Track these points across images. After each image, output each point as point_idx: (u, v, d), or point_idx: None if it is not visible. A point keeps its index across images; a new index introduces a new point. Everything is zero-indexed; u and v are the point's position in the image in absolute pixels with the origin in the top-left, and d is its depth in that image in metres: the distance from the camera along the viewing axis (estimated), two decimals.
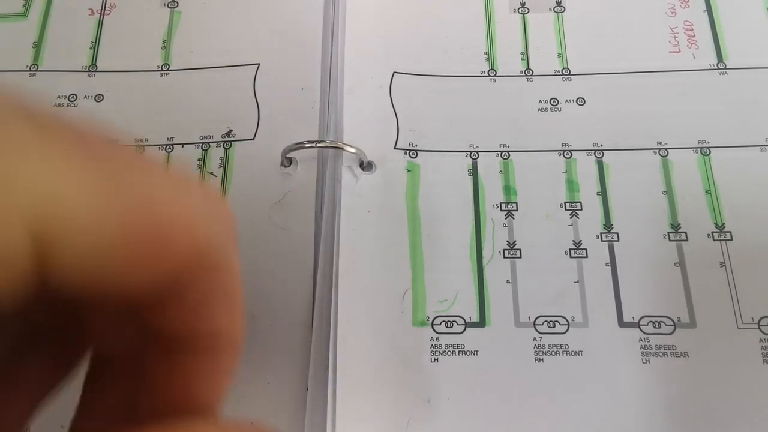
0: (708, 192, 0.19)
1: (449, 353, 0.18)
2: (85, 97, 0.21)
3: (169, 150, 0.20)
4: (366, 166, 0.19)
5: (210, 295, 0.08)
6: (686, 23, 0.22)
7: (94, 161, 0.07)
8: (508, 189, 0.20)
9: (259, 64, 0.21)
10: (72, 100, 0.21)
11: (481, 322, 0.18)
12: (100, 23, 0.23)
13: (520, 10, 0.22)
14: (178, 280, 0.08)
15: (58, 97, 0.21)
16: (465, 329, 0.18)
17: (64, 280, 0.07)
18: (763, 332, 0.18)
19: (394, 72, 0.21)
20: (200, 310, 0.08)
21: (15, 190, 0.06)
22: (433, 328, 0.18)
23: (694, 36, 0.22)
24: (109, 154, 0.07)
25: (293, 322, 0.18)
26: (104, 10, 0.23)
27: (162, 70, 0.22)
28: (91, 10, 0.23)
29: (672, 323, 0.18)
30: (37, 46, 0.22)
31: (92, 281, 0.07)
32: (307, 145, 0.18)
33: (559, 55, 0.22)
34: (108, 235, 0.07)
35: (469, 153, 0.20)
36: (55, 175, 0.06)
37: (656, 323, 0.18)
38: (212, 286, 0.08)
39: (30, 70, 0.22)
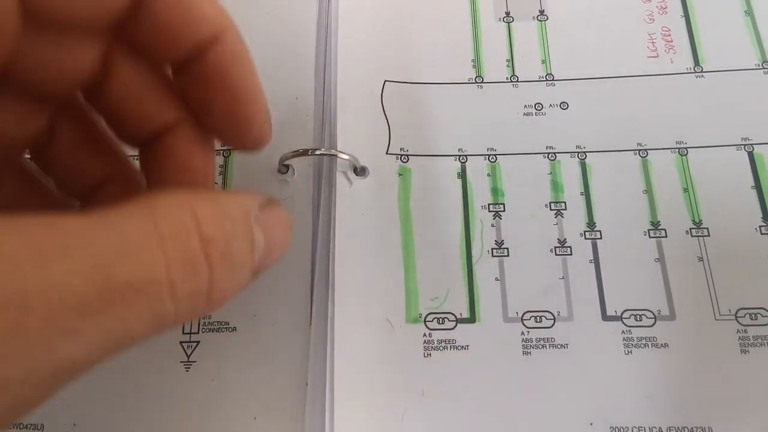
0: (686, 190, 0.20)
1: (441, 348, 0.18)
2: None
3: None
4: (359, 171, 0.20)
5: (234, 55, 0.11)
6: (664, 29, 0.22)
7: None
8: (495, 191, 0.20)
9: None
10: None
11: (472, 318, 0.19)
12: None
13: (504, 19, 0.23)
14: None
15: None
16: (456, 325, 0.19)
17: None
18: (740, 323, 0.18)
19: (385, 80, 0.22)
20: (230, 66, 0.11)
21: None
22: (425, 324, 0.19)
23: (672, 41, 0.22)
24: None
25: (293, 321, 0.18)
26: None
27: None
28: None
29: (653, 316, 0.18)
30: None
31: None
32: (303, 153, 0.19)
33: (543, 62, 0.22)
34: None
35: (457, 157, 0.21)
36: None
37: (638, 316, 0.18)
38: (233, 49, 0.11)
39: None
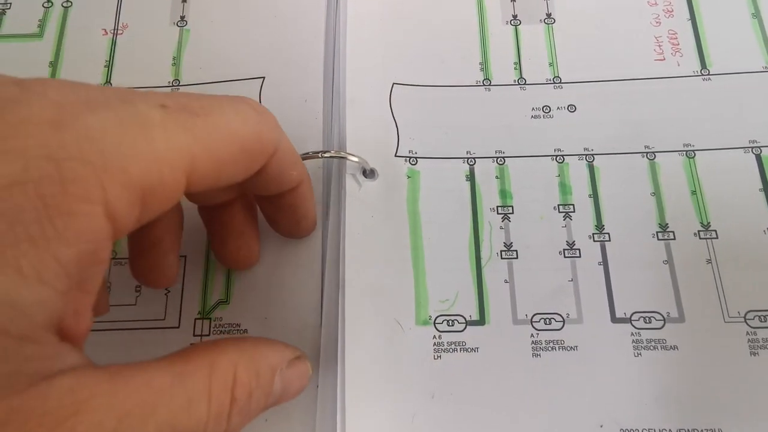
0: (693, 193, 0.20)
1: (451, 350, 0.18)
2: None
3: None
4: (368, 173, 0.20)
5: (285, 160, 0.15)
6: (670, 32, 0.22)
7: (202, 118, 0.12)
8: (504, 193, 0.20)
9: (264, 77, 0.22)
10: None
11: (481, 321, 0.19)
12: (114, 42, 0.23)
13: (512, 22, 0.23)
14: (269, 161, 0.14)
15: None
16: (465, 327, 0.19)
17: (206, 181, 0.13)
18: (749, 325, 0.18)
19: (393, 83, 0.22)
20: (285, 169, 0.15)
21: (173, 156, 0.11)
22: (435, 326, 0.19)
23: (678, 44, 0.22)
24: (208, 113, 0.12)
25: (303, 324, 0.18)
26: (117, 30, 0.23)
27: (173, 85, 0.22)
28: (105, 30, 0.23)
29: (662, 318, 0.18)
30: (54, 65, 0.23)
31: (228, 176, 0.13)
32: (312, 155, 0.19)
33: (550, 65, 0.22)
34: (229, 156, 0.13)
35: (466, 159, 0.21)
36: (182, 140, 0.12)
37: (647, 318, 0.18)
38: (283, 156, 0.15)
39: None
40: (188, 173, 0.12)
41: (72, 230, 0.10)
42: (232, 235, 0.17)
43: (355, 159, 0.19)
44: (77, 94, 0.11)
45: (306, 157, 0.18)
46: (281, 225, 0.18)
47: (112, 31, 0.23)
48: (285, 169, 0.15)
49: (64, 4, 0.24)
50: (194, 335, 0.18)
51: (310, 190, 0.17)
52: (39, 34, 0.23)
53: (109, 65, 0.23)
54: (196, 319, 0.18)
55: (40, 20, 0.24)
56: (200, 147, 0.12)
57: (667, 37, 0.22)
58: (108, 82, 0.23)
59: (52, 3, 0.24)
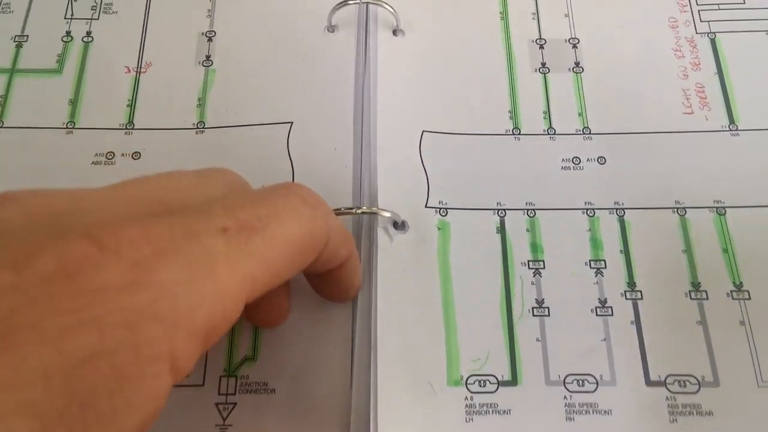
0: (725, 251, 0.20)
1: (483, 413, 0.18)
2: (123, 154, 0.21)
3: None
4: (399, 225, 0.20)
5: (335, 244, 0.15)
6: (698, 85, 0.23)
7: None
8: (535, 246, 0.20)
9: (292, 122, 0.22)
10: (110, 158, 0.21)
11: (513, 381, 0.18)
12: (137, 81, 0.23)
13: (540, 70, 0.23)
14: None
15: (96, 154, 0.21)
16: (498, 388, 0.18)
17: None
18: None
19: (423, 130, 0.22)
20: (334, 252, 0.15)
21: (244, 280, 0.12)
22: (467, 387, 0.18)
23: (706, 98, 0.22)
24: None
25: (333, 384, 0.18)
26: (140, 68, 0.23)
27: (197, 128, 0.22)
28: (128, 68, 0.23)
29: (697, 382, 0.18)
30: (74, 103, 0.22)
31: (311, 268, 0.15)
32: (345, 212, 0.18)
33: (580, 114, 0.22)
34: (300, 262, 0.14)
35: (496, 211, 0.21)
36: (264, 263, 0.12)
37: (682, 382, 0.18)
38: (334, 241, 0.15)
39: (67, 128, 0.22)
40: (248, 294, 0.12)
41: (140, 397, 0.10)
42: (265, 295, 0.17)
43: (388, 214, 0.19)
44: (150, 244, 0.10)
45: (338, 213, 0.18)
46: (326, 293, 0.18)
47: (135, 69, 0.23)
48: (334, 251, 0.15)
49: (85, 39, 0.24)
50: (219, 394, 0.18)
51: (357, 262, 0.17)
52: (58, 70, 0.23)
53: (132, 105, 0.22)
54: (221, 376, 0.18)
55: (59, 55, 0.23)
56: (261, 267, 0.12)
57: (695, 90, 0.22)
58: (131, 122, 0.22)
59: (72, 37, 0.24)
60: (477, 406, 0.18)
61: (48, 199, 0.11)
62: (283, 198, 0.13)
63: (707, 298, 0.19)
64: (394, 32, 0.23)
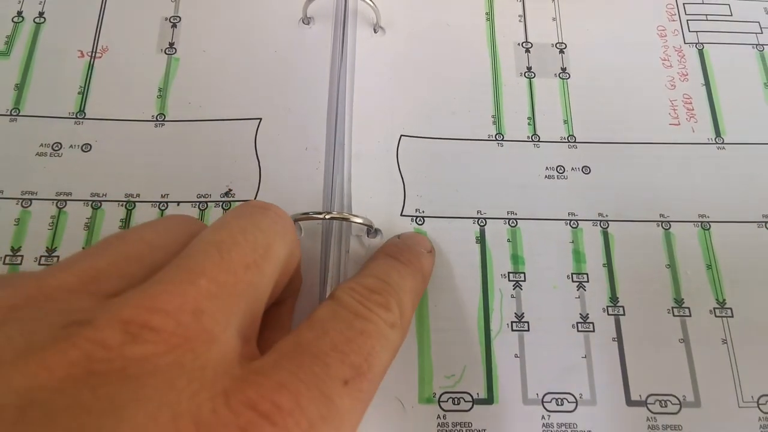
0: (709, 267, 0.20)
1: None
2: (71, 146, 0.20)
3: (163, 208, 0.20)
4: (372, 233, 0.19)
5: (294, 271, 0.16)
6: (685, 96, 0.23)
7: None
8: (516, 258, 0.20)
9: (260, 118, 0.21)
10: (56, 149, 0.20)
11: (489, 399, 0.18)
12: (91, 66, 0.22)
13: (526, 74, 0.23)
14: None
15: (41, 145, 0.20)
16: (472, 406, 0.18)
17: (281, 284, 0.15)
18: (762, 411, 0.18)
19: (401, 134, 0.21)
20: (292, 279, 0.16)
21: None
22: (440, 405, 0.18)
23: (693, 109, 0.23)
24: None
25: None
26: (95, 52, 0.22)
27: (157, 120, 0.21)
28: (81, 51, 0.22)
29: (678, 402, 0.18)
30: (20, 88, 0.21)
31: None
32: (313, 216, 0.18)
33: (565, 122, 0.22)
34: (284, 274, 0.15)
35: (476, 220, 0.20)
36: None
37: (663, 402, 0.18)
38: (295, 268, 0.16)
39: (11, 114, 0.21)
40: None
41: None
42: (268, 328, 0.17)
43: (360, 221, 0.18)
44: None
45: (306, 218, 0.18)
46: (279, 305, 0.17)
47: (90, 54, 0.22)
48: (292, 278, 0.16)
49: (37, 20, 0.23)
50: None
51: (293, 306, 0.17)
52: (5, 52, 0.22)
53: (84, 92, 0.21)
54: None
55: (8, 36, 0.22)
56: (260, 304, 0.13)
57: (682, 101, 0.23)
58: (81, 111, 0.21)
59: (23, 18, 0.23)
60: (450, 425, 0.18)
61: None
62: (271, 221, 0.13)
63: (690, 315, 0.19)
64: (374, 29, 0.23)
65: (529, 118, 0.22)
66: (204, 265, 0.11)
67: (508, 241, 0.20)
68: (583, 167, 0.22)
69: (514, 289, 0.20)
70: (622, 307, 0.19)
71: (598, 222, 0.21)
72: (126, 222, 0.19)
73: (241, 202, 0.20)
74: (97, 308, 0.10)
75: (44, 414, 0.09)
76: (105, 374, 0.10)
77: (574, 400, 0.18)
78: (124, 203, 0.20)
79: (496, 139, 0.22)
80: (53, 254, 0.19)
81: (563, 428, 0.18)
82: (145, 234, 0.13)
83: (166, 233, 0.13)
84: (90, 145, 0.21)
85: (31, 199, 0.20)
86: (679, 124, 0.22)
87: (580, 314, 0.19)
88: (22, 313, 0.10)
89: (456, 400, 0.18)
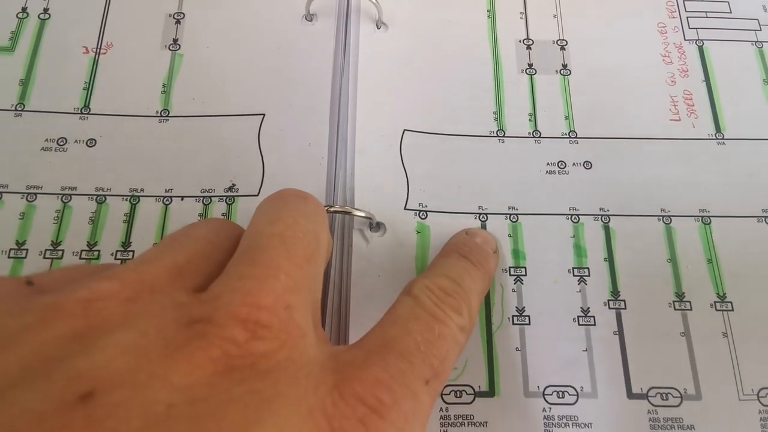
0: (710, 261, 0.21)
1: (458, 425, 0.18)
2: (76, 141, 0.21)
3: (167, 202, 0.20)
4: (375, 227, 0.20)
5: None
6: (686, 92, 0.23)
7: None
8: (517, 253, 0.20)
9: (264, 114, 0.21)
10: (61, 144, 0.21)
11: (491, 392, 0.18)
12: (95, 62, 0.22)
13: (527, 71, 0.24)
14: None
15: (46, 140, 0.21)
16: (474, 399, 0.18)
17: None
18: (762, 404, 0.19)
19: (404, 129, 0.22)
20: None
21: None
22: (442, 398, 0.18)
23: (693, 105, 0.23)
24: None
25: None
26: (100, 48, 0.23)
27: (161, 116, 0.22)
28: (86, 48, 0.23)
29: (679, 395, 0.19)
30: (25, 83, 0.22)
31: None
32: None
33: (566, 118, 0.23)
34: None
35: (478, 215, 0.21)
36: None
37: (664, 395, 0.19)
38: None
39: (15, 110, 0.21)
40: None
41: None
42: None
43: (362, 215, 0.19)
44: None
45: None
46: None
47: (95, 50, 0.22)
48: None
49: (42, 16, 0.23)
50: None
51: None
52: (10, 48, 0.22)
53: (89, 88, 0.22)
54: None
55: (12, 32, 0.23)
56: (320, 293, 0.14)
57: (683, 97, 0.23)
58: (86, 106, 0.22)
59: (27, 14, 0.23)
60: (452, 417, 0.18)
61: None
62: (314, 212, 0.14)
63: (691, 309, 0.20)
64: (377, 25, 0.23)
65: (530, 115, 0.23)
66: (278, 261, 0.12)
67: (509, 236, 0.21)
68: (584, 162, 0.22)
69: (515, 283, 0.20)
70: (624, 301, 0.20)
71: (600, 217, 0.21)
72: (130, 216, 0.20)
73: (246, 197, 0.20)
74: (205, 305, 0.11)
75: (211, 409, 0.09)
76: (242, 370, 0.10)
77: (575, 393, 0.19)
78: (129, 198, 0.20)
79: (498, 135, 0.22)
80: (58, 248, 0.19)
81: (564, 421, 0.18)
82: (203, 232, 0.13)
83: (218, 233, 0.13)
84: (95, 140, 0.21)
85: (36, 194, 0.20)
86: (680, 119, 0.23)
87: (581, 308, 0.20)
88: (141, 307, 0.10)
89: (458, 392, 0.18)
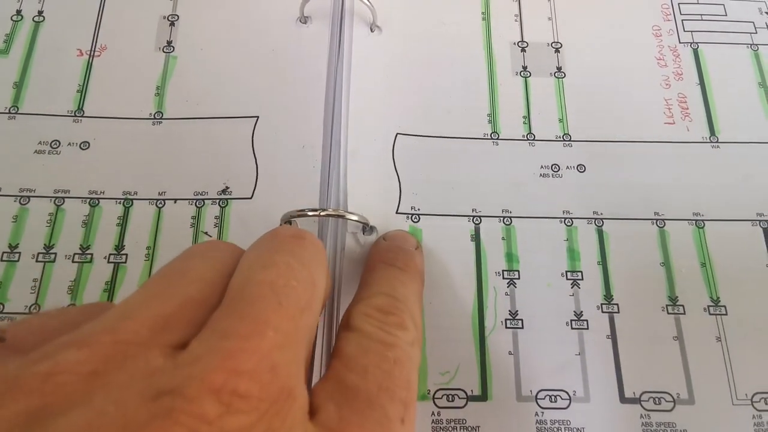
0: (703, 265, 0.21)
1: (450, 429, 0.18)
2: (69, 144, 0.21)
3: (161, 205, 0.20)
4: (368, 230, 0.20)
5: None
6: (680, 95, 0.24)
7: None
8: (510, 256, 0.21)
9: (258, 117, 0.22)
10: (54, 146, 0.21)
11: (483, 396, 0.19)
12: (89, 65, 0.22)
13: (522, 73, 0.24)
14: None
15: (40, 143, 0.21)
16: (467, 403, 0.18)
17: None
18: (755, 409, 0.19)
19: (397, 133, 0.22)
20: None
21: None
22: (434, 402, 0.18)
23: (688, 109, 0.23)
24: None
25: None
26: (94, 51, 0.23)
27: (155, 118, 0.22)
28: (80, 50, 0.23)
29: (672, 399, 0.19)
30: (18, 86, 0.22)
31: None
32: (309, 214, 0.18)
33: (560, 121, 0.23)
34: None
35: (471, 218, 0.21)
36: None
37: (656, 399, 0.19)
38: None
39: (9, 112, 0.21)
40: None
41: None
42: None
43: (355, 218, 0.19)
44: None
45: (301, 215, 0.18)
46: None
47: (89, 53, 0.23)
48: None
49: (36, 19, 0.23)
50: None
51: None
52: (4, 51, 0.23)
53: (83, 90, 0.22)
54: None
55: (6, 35, 0.23)
56: (313, 343, 0.13)
57: (677, 100, 0.23)
58: (80, 109, 0.22)
59: (22, 16, 0.23)
60: (444, 422, 0.18)
61: None
62: (316, 257, 0.13)
63: (684, 313, 0.20)
64: (371, 28, 0.24)
65: (524, 117, 0.23)
66: (267, 314, 0.11)
67: (503, 239, 0.21)
68: (578, 166, 0.22)
69: (508, 286, 0.20)
70: (617, 304, 0.20)
71: (593, 220, 0.21)
72: (123, 219, 0.20)
73: (239, 199, 0.20)
74: (178, 371, 0.10)
75: None
76: None
77: (568, 397, 0.19)
78: (122, 201, 0.20)
79: (492, 138, 0.22)
80: (51, 251, 0.20)
81: (557, 425, 0.18)
82: (201, 271, 0.12)
83: (220, 268, 0.12)
84: (88, 143, 0.21)
85: (29, 197, 0.20)
86: (674, 122, 0.23)
87: (574, 312, 0.20)
88: (106, 380, 0.10)
89: (450, 397, 0.18)
